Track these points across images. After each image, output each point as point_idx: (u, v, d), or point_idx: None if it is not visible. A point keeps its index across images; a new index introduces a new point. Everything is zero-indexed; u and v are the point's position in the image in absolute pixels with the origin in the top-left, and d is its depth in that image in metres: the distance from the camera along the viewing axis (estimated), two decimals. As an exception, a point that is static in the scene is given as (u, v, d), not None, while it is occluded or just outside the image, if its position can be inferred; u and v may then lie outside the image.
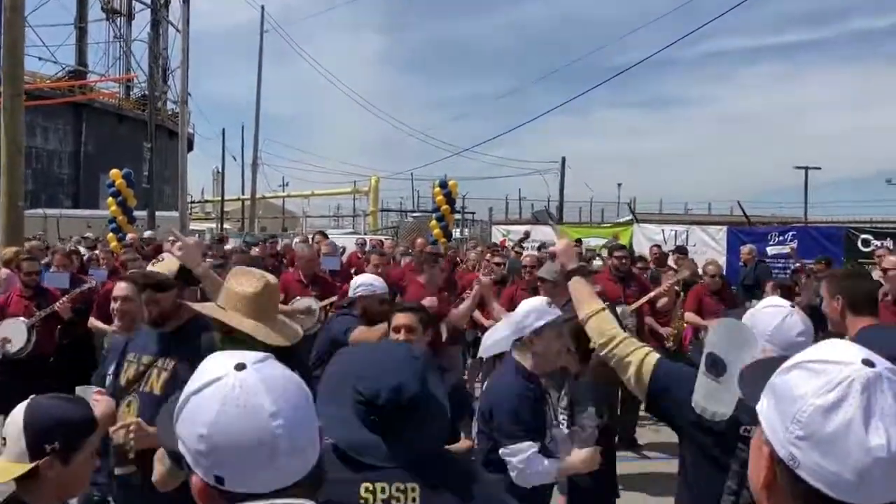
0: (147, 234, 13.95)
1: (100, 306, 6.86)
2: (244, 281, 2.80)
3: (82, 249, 11.27)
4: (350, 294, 5.05)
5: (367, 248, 11.60)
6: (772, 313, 2.39)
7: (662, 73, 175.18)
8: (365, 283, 5.04)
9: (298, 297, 7.32)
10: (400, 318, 3.60)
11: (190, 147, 36.03)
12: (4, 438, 1.97)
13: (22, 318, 6.60)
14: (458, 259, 10.52)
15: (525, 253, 10.49)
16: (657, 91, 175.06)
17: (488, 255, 9.84)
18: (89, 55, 40.60)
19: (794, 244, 12.47)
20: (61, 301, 6.83)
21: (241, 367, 1.17)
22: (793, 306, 2.47)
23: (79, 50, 39.72)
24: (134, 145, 29.34)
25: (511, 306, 7.13)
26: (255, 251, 10.40)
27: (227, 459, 1.13)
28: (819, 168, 35.65)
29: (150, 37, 28.14)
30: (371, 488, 1.78)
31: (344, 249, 14.01)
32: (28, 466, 1.93)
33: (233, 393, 1.13)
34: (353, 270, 9.45)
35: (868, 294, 3.45)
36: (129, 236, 14.58)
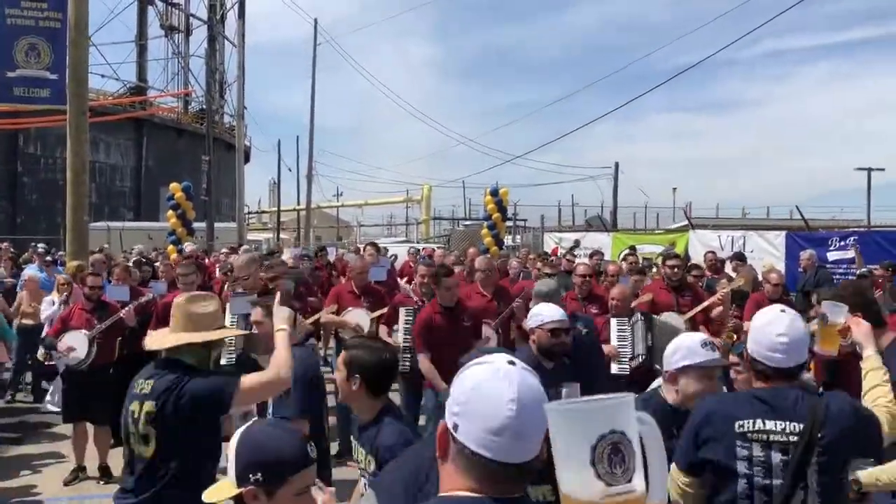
0: (189, 247, 14.13)
1: (159, 318, 7.05)
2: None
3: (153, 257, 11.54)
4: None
5: (420, 256, 11.62)
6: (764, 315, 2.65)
7: (718, 75, 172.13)
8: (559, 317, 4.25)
9: (350, 308, 7.38)
10: None
11: (247, 159, 36.76)
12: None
13: (84, 331, 6.81)
14: (507, 269, 10.46)
15: (577, 261, 10.41)
16: (712, 94, 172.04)
17: (539, 263, 9.75)
18: (149, 71, 41.86)
19: (856, 248, 12.05)
20: (126, 310, 7.04)
21: (511, 362, 1.43)
22: (782, 311, 2.63)
23: (139, 66, 40.95)
24: (193, 158, 30.07)
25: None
26: (304, 264, 10.51)
27: (470, 416, 1.38)
28: (883, 169, 34.47)
29: (207, 52, 28.82)
30: None
31: (395, 258, 14.10)
32: (235, 492, 2.00)
33: (495, 373, 1.41)
34: (404, 280, 9.54)
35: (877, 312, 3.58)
36: (188, 248, 14.94)
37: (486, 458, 1.35)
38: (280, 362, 3.21)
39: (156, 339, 3.40)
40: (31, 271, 10.60)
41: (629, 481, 0.94)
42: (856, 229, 15.55)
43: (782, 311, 2.65)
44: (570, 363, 4.44)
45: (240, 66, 27.42)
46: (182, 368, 3.19)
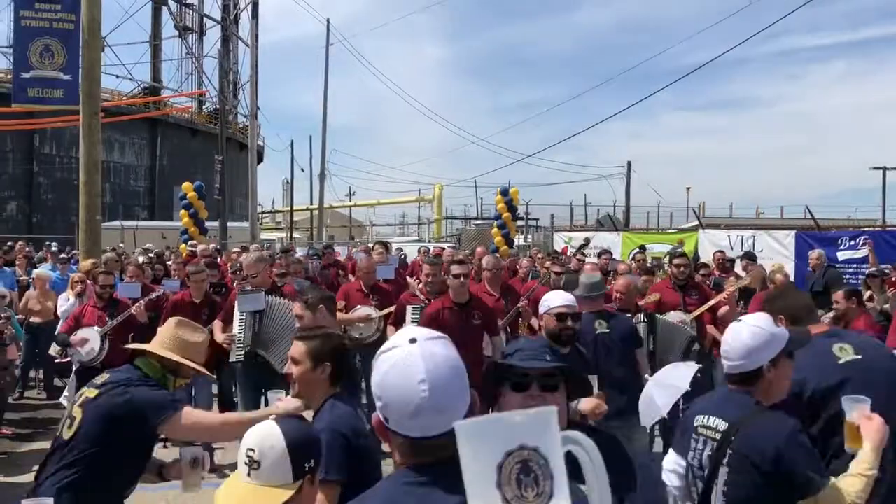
0: (201, 246, 14.20)
1: (167, 315, 7.15)
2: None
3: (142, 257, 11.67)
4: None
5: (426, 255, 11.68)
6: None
7: (730, 74, 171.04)
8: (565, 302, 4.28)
9: (359, 307, 7.46)
10: None
11: (260, 159, 36.96)
12: (257, 462, 1.97)
13: (96, 327, 6.92)
14: (517, 267, 10.49)
15: (587, 261, 10.43)
16: (725, 92, 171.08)
17: (547, 262, 9.76)
18: (163, 72, 42.14)
19: (870, 244, 11.93)
20: (137, 305, 7.15)
21: (412, 340, 1.45)
22: (739, 320, 2.81)
23: (153, 67, 41.22)
24: (206, 158, 30.25)
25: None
26: (312, 264, 10.64)
27: (389, 407, 1.44)
28: (897, 168, 34.17)
29: (220, 52, 28.97)
30: None
31: (403, 253, 14.16)
32: (296, 486, 1.99)
33: (401, 358, 1.44)
34: (414, 278, 9.58)
35: (806, 307, 3.57)
36: (200, 248, 15.05)
37: (416, 438, 1.42)
38: (233, 421, 3.24)
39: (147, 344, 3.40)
40: (40, 269, 10.73)
41: None
42: (867, 229, 15.47)
43: (739, 320, 2.82)
44: (591, 355, 4.49)
45: (253, 66, 27.56)
46: (138, 374, 3.23)
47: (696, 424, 2.71)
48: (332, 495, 2.78)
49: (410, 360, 1.42)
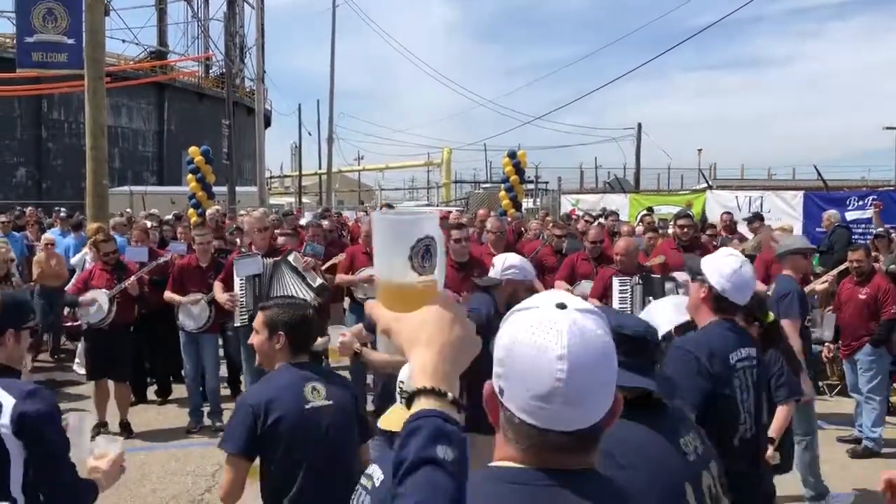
0: (210, 211, 14.18)
1: (174, 280, 7.22)
2: None
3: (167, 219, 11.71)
4: (496, 273, 4.66)
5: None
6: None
7: (744, 33, 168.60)
8: (516, 265, 4.63)
9: (363, 269, 7.51)
10: None
11: (267, 123, 36.79)
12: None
13: (104, 290, 7.00)
14: (522, 229, 10.51)
15: (592, 226, 10.40)
16: (739, 51, 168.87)
17: (556, 230, 9.77)
18: (169, 36, 41.84)
19: (880, 204, 11.83)
20: (137, 274, 7.21)
21: (561, 305, 1.20)
22: (730, 254, 3.08)
23: (159, 31, 40.93)
24: (214, 123, 30.12)
25: (572, 276, 7.14)
26: (325, 224, 10.67)
27: (510, 378, 1.17)
28: (911, 128, 33.80)
29: (226, 15, 28.74)
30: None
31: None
32: None
33: (540, 323, 1.17)
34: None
35: None
36: (209, 211, 15.09)
37: (534, 426, 1.15)
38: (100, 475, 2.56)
39: None
40: (49, 234, 10.81)
41: (432, 274, 1.11)
42: (876, 189, 15.34)
43: (730, 254, 3.05)
44: None
45: (259, 28, 27.32)
46: None
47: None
48: (231, 468, 2.86)
49: (552, 327, 1.15)
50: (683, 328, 3.33)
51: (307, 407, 2.91)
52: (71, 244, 10.54)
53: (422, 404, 1.00)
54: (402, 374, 2.54)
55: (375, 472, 2.22)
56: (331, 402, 2.97)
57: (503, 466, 1.20)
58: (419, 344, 1.06)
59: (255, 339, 3.08)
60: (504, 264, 4.62)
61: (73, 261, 9.78)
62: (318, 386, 2.97)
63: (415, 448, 0.95)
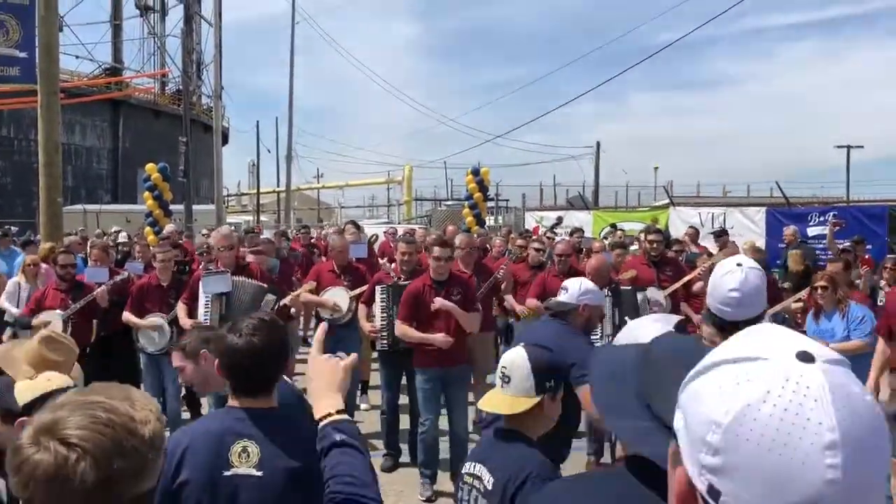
0: (168, 228, 13.86)
1: (133, 300, 6.95)
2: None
3: (122, 236, 11.41)
4: (570, 297, 4.25)
5: (398, 235, 11.58)
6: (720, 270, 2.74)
7: (700, 53, 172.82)
8: (591, 290, 4.35)
9: (329, 288, 7.31)
10: None
11: (225, 140, 36.38)
12: (508, 377, 2.50)
13: (58, 311, 6.71)
14: (487, 246, 10.43)
15: (557, 240, 10.37)
16: (694, 72, 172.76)
17: (519, 241, 9.73)
18: (125, 52, 41.24)
19: (839, 223, 11.98)
20: (100, 289, 6.93)
21: (806, 357, 0.76)
22: (738, 264, 2.70)
23: (114, 47, 40.30)
24: (170, 140, 29.61)
25: (543, 293, 7.07)
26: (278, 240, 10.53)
27: (737, 474, 0.74)
28: (862, 147, 34.80)
29: (183, 32, 28.35)
30: None
31: (376, 237, 14.05)
32: (536, 399, 2.46)
33: (783, 388, 0.74)
34: (385, 260, 9.48)
35: None
36: (167, 229, 14.75)
37: None
38: None
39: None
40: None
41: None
42: (835, 205, 15.63)
43: (738, 264, 2.71)
44: None
45: (216, 46, 27.05)
46: None
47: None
48: None
49: (806, 395, 0.73)
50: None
51: (225, 473, 2.18)
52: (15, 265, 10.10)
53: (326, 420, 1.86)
54: (504, 360, 2.60)
55: (484, 474, 2.36)
56: (259, 475, 2.18)
57: None
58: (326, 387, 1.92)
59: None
60: (581, 289, 4.24)
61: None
62: (250, 447, 2.21)
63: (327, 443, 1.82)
